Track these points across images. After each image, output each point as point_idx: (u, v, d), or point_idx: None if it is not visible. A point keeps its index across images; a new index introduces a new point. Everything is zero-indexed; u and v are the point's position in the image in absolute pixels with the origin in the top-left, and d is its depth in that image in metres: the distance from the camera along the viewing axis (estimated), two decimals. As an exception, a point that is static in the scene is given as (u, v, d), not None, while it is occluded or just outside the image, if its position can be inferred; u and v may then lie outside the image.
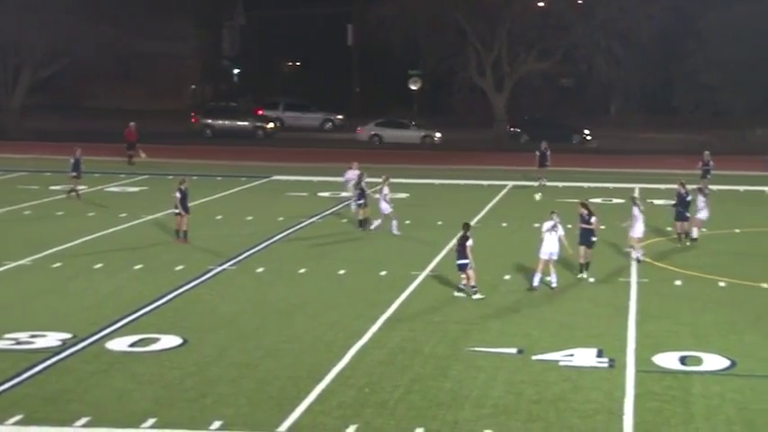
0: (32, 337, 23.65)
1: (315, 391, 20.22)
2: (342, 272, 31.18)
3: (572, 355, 22.64)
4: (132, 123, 58.95)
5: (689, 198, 35.43)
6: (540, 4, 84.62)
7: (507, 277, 30.37)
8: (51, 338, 23.53)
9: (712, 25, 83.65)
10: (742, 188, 45.33)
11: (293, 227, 39.12)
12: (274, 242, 36.17)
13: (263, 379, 21.03)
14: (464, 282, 27.92)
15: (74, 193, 44.91)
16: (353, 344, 23.38)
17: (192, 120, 79.94)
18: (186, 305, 27.11)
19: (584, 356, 22.60)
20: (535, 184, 51.11)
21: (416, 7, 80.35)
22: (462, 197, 48.43)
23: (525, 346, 23.25)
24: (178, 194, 35.45)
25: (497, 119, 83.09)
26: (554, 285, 28.62)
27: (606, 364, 22.14)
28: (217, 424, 18.52)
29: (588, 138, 78.77)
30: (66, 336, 23.73)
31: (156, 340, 23.62)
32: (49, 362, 21.86)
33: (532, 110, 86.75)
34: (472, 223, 39.59)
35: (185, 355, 22.64)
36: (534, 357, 22.51)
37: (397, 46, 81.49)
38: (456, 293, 27.93)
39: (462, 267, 27.71)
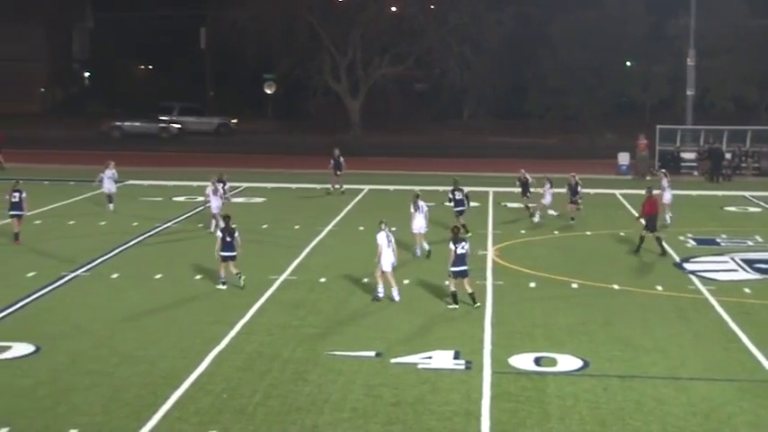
0: None
1: (172, 398, 19.97)
2: (198, 277, 30.87)
3: (430, 358, 22.78)
4: None
5: (462, 199, 37.50)
6: (393, 9, 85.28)
7: (366, 281, 30.42)
8: None
9: (561, 31, 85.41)
10: (593, 191, 46.21)
11: (148, 232, 38.62)
12: (129, 247, 35.66)
13: (118, 386, 20.69)
14: (223, 273, 29.09)
15: None
16: (211, 349, 23.15)
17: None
18: (39, 312, 26.52)
19: (442, 359, 22.76)
20: (331, 187, 50.22)
21: (269, 11, 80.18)
22: (319, 201, 48.46)
23: (383, 350, 23.32)
24: (15, 197, 35.23)
25: (353, 123, 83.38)
26: (389, 298, 27.93)
27: (463, 366, 22.33)
28: (72, 433, 18.19)
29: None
30: None
31: (7, 348, 23.03)
32: None
33: (386, 114, 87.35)
34: (330, 227, 39.82)
35: (38, 362, 22.15)
36: (392, 360, 22.59)
37: (251, 49, 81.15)
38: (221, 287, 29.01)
39: (232, 258, 28.96)
